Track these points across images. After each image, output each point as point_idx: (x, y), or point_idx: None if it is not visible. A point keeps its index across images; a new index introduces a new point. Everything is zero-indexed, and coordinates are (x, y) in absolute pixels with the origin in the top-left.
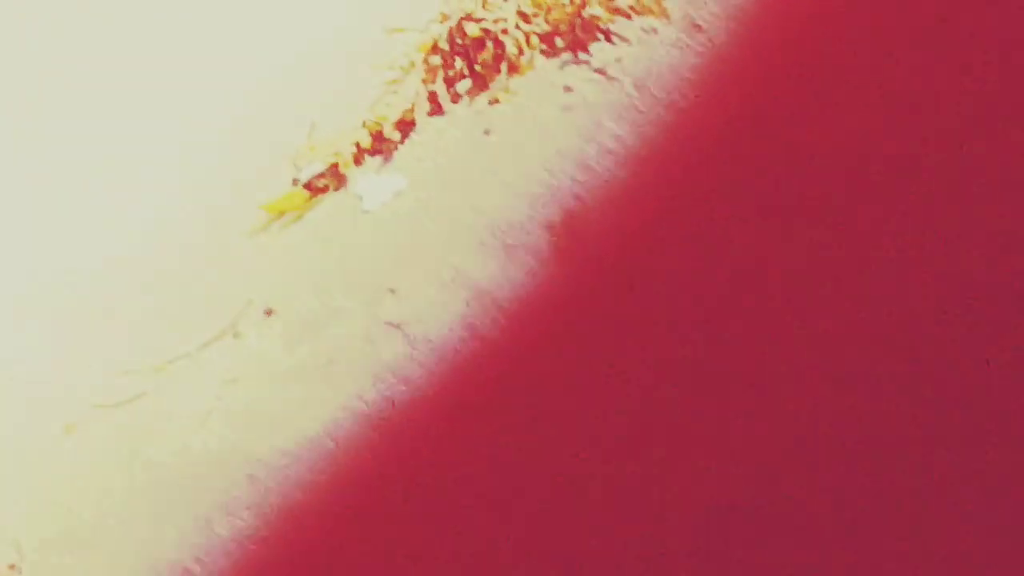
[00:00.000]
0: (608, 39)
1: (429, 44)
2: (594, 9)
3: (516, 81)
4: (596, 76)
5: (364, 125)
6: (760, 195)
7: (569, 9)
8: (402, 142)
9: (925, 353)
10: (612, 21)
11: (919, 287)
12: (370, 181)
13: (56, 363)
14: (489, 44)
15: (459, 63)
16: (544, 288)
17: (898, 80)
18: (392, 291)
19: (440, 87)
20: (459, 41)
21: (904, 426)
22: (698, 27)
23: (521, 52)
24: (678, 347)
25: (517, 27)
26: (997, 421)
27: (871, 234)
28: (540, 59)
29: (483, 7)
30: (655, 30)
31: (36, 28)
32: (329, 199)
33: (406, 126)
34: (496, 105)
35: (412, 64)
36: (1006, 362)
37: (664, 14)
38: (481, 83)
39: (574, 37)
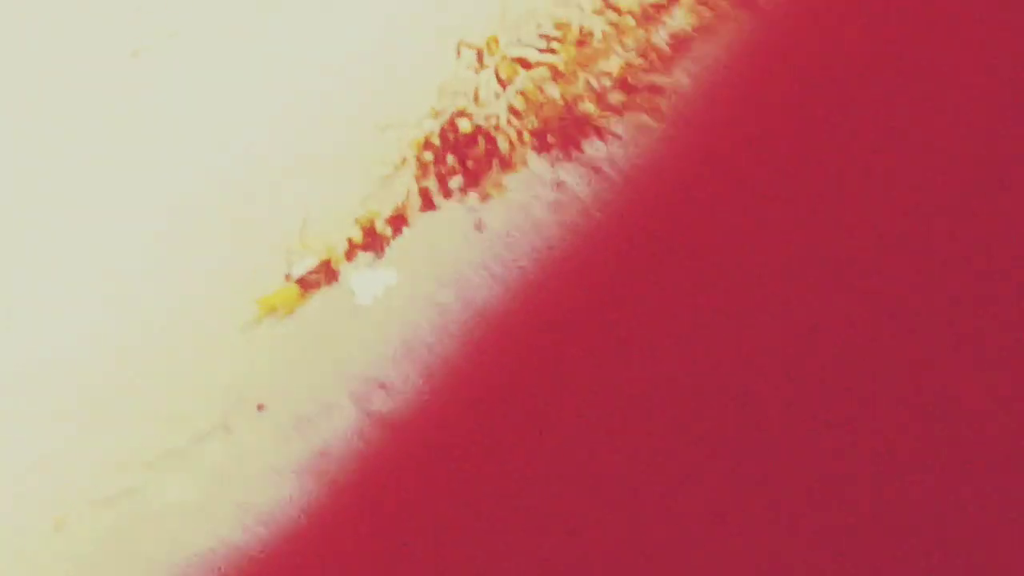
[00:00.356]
0: (600, 136)
1: (421, 140)
2: (586, 106)
3: (507, 177)
4: (587, 172)
5: (356, 221)
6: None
7: (561, 106)
8: (394, 237)
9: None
10: (604, 118)
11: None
12: (362, 276)
13: (47, 457)
14: (481, 140)
15: (451, 159)
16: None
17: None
18: (383, 386)
19: (432, 183)
20: (451, 137)
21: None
22: (688, 123)
23: (513, 148)
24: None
25: (509, 123)
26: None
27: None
28: (531, 155)
29: (475, 103)
30: (646, 127)
31: (22, 129)
32: (321, 294)
33: (398, 221)
34: (488, 200)
35: (404, 160)
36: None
37: (656, 111)
38: (473, 179)
39: (566, 134)
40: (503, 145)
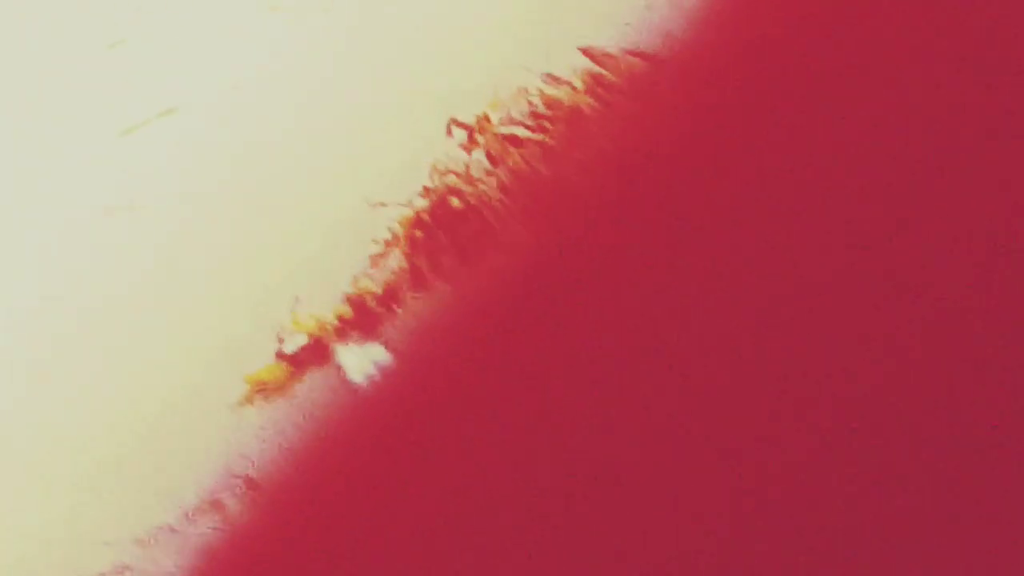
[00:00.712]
0: None
1: (411, 217)
2: None
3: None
4: None
5: (347, 299)
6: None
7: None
8: (386, 316)
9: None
10: None
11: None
12: (354, 354)
13: (36, 534)
14: (472, 218)
15: (442, 237)
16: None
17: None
18: None
19: (423, 261)
20: (442, 215)
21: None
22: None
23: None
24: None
25: (501, 201)
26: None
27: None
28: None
29: (467, 182)
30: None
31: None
32: (312, 372)
33: (390, 300)
34: None
35: (395, 237)
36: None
37: None
38: (464, 257)
39: None
40: (495, 223)
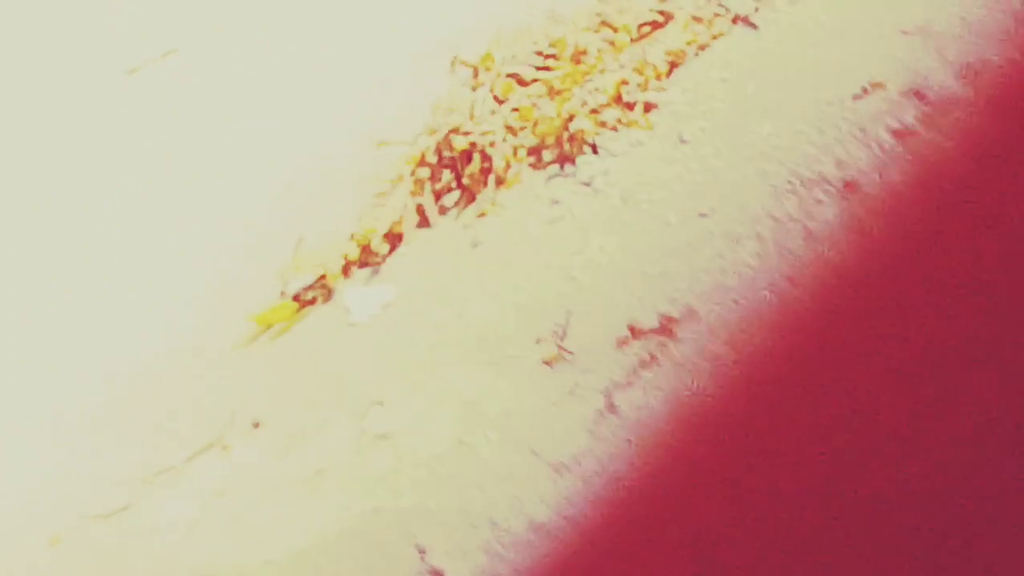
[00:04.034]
0: (595, 152)
1: (417, 157)
2: (581, 123)
3: (503, 194)
4: (583, 189)
5: (352, 238)
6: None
7: (556, 123)
8: (390, 254)
9: None
10: (599, 134)
11: None
12: (358, 293)
13: (42, 474)
14: (476, 157)
15: (447, 176)
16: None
17: None
18: (380, 403)
19: (428, 200)
20: (447, 154)
21: None
22: (684, 141)
23: (508, 165)
24: None
25: (504, 140)
26: None
27: None
28: (527, 172)
29: (470, 120)
30: (641, 143)
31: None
32: (317, 311)
33: (394, 239)
34: (484, 218)
35: (400, 177)
36: None
37: (650, 128)
38: (469, 196)
39: (561, 150)
40: (498, 162)
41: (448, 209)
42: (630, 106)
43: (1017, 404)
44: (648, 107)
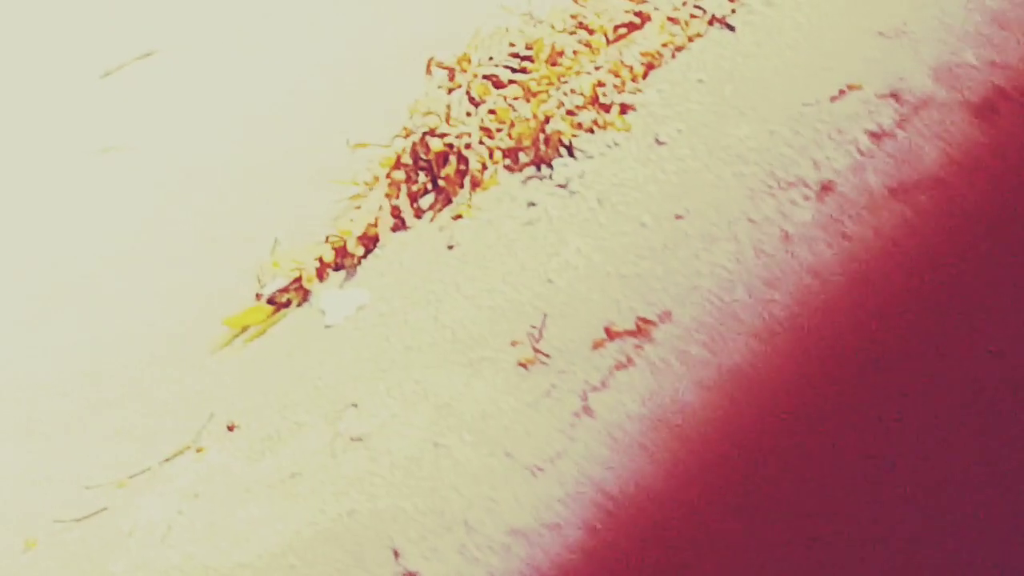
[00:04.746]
0: (571, 154)
1: (392, 159)
2: (557, 124)
3: (479, 196)
4: (559, 190)
5: (327, 240)
6: None
7: (532, 124)
8: (365, 257)
9: None
10: (575, 136)
11: None
12: (333, 295)
13: (17, 477)
14: (452, 159)
15: (422, 178)
16: None
17: None
18: (355, 405)
19: (403, 202)
20: (422, 156)
21: None
22: (660, 142)
23: (484, 167)
24: None
25: (480, 142)
26: None
27: None
28: (503, 174)
29: (446, 122)
30: (618, 145)
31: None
32: (292, 314)
33: (369, 241)
34: (459, 220)
35: (375, 179)
36: None
37: (626, 129)
38: (444, 198)
39: (537, 152)
40: (475, 164)
41: (424, 211)
42: (606, 108)
43: (974, 406)
44: (624, 109)
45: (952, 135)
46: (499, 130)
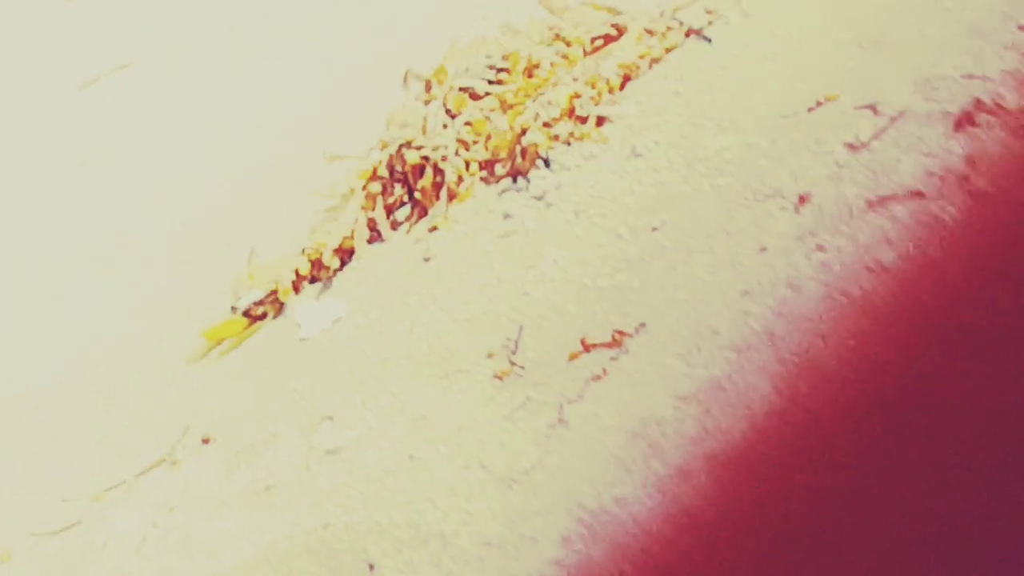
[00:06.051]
0: (548, 166)
1: (369, 171)
2: (534, 136)
3: (456, 208)
4: (536, 203)
5: (303, 252)
6: None
7: (509, 136)
8: (341, 269)
9: None
10: (551, 148)
11: None
12: (309, 308)
13: None
14: (429, 171)
15: (398, 190)
16: None
17: None
18: (330, 418)
19: (380, 214)
20: (399, 168)
21: None
22: (637, 154)
23: (461, 179)
24: None
25: (457, 154)
26: None
27: None
28: (480, 186)
29: (423, 134)
30: (594, 157)
31: None
32: (268, 326)
33: (345, 253)
34: (435, 232)
35: (352, 191)
36: None
37: (603, 141)
38: (421, 210)
39: (514, 164)
40: (451, 176)
41: (400, 223)
42: (583, 120)
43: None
44: (601, 120)
45: (929, 146)
46: (475, 142)
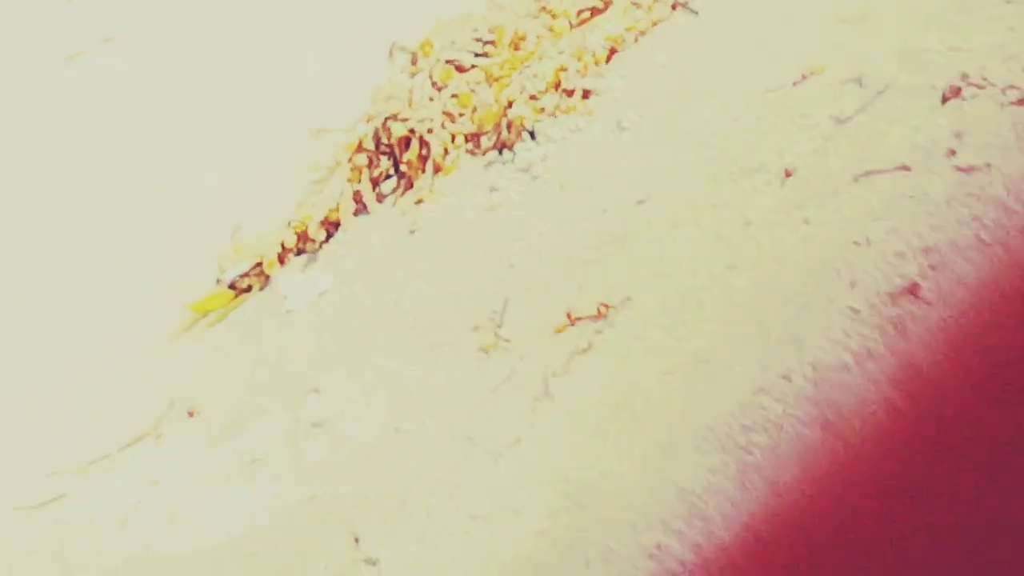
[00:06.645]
0: (533, 138)
1: (354, 144)
2: (520, 109)
3: (441, 180)
4: (521, 175)
5: (289, 225)
6: None
7: (495, 109)
8: (327, 242)
9: None
10: (537, 121)
11: None
12: (295, 280)
13: None
14: (414, 144)
15: (384, 163)
16: None
17: None
18: (316, 391)
19: (365, 187)
20: (384, 141)
21: None
22: (623, 127)
23: (447, 152)
24: None
25: (443, 127)
26: None
27: None
28: (465, 159)
29: (409, 107)
30: (580, 129)
31: None
32: (254, 299)
33: (331, 226)
34: (421, 205)
35: (337, 164)
36: None
37: (589, 114)
38: (406, 182)
39: (499, 137)
40: (437, 149)
41: (385, 196)
42: (569, 92)
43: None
44: (587, 93)
45: (915, 120)
46: (461, 115)
